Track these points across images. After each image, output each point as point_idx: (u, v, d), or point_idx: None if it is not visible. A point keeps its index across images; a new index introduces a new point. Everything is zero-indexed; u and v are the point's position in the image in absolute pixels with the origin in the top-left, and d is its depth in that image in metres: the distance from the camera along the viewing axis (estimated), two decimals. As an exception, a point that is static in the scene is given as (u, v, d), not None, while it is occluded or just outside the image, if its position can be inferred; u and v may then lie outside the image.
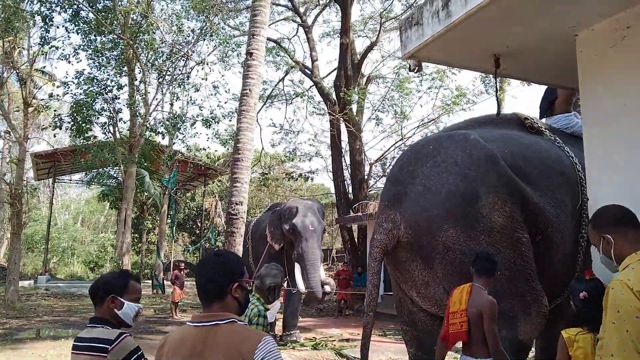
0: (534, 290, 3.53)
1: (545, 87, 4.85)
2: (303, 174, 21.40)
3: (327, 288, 9.25)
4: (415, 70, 3.53)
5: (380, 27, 18.73)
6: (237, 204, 7.78)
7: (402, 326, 4.11)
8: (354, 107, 18.17)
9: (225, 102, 19.93)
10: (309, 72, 20.16)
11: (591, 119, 3.01)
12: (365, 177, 18.40)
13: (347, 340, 10.70)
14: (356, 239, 18.64)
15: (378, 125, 19.60)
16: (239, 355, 1.76)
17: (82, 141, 15.64)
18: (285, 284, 11.29)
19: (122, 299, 2.59)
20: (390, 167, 3.40)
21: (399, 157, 4.19)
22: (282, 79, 21.68)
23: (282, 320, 10.78)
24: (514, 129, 4.27)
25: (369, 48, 19.37)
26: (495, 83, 3.57)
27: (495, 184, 3.56)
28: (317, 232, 9.80)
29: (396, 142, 18.38)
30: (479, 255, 3.44)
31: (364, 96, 18.07)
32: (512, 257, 3.52)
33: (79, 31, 14.99)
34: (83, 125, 14.74)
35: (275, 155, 27.02)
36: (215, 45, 17.83)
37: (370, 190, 18.88)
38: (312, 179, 21.73)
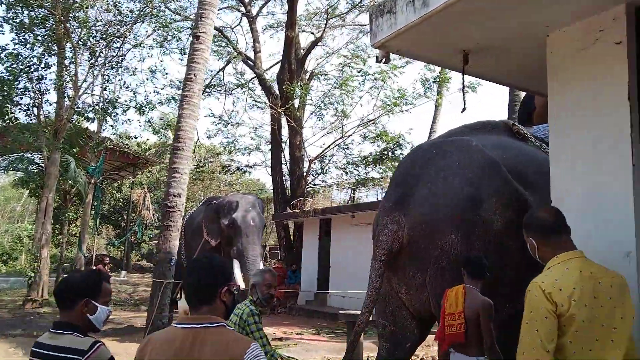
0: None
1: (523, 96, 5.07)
2: (241, 168, 20.92)
3: (268, 285, 9.01)
4: (383, 62, 3.39)
5: (325, 24, 18.65)
6: (175, 195, 7.36)
7: (381, 320, 4.15)
8: (296, 102, 17.99)
9: (162, 88, 19.11)
10: (251, 64, 19.76)
11: (558, 120, 2.99)
12: (304, 173, 18.28)
13: (281, 339, 10.47)
14: (291, 236, 18.48)
15: (319, 121, 19.53)
16: (227, 358, 1.77)
17: (1, 122, 14.39)
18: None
19: (96, 303, 2.35)
20: (395, 170, 3.50)
21: (402, 161, 4.25)
22: (223, 69, 21.11)
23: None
24: (503, 135, 4.40)
25: (314, 43, 19.25)
26: (462, 80, 3.50)
27: (498, 189, 3.65)
28: (258, 227, 9.55)
29: (336, 140, 18.39)
30: (471, 258, 3.50)
31: (306, 91, 17.92)
32: (499, 263, 3.58)
33: (2, 1, 13.76)
34: (3, 104, 13.54)
35: (211, 148, 26.26)
36: (155, 29, 17.01)
37: (309, 187, 18.79)
38: (249, 173, 21.31)
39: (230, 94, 21.60)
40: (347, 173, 18.53)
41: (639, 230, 2.54)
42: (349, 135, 18.07)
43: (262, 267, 9.34)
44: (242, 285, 8.57)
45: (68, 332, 2.27)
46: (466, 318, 3.37)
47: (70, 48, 14.78)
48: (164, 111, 23.32)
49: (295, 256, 17.03)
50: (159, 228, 11.63)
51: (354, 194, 20.54)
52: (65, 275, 2.65)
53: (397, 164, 17.36)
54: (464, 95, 3.58)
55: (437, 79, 16.69)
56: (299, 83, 17.54)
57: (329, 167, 18.89)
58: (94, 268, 3.22)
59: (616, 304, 2.23)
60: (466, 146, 3.91)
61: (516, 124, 4.65)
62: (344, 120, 18.07)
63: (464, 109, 3.56)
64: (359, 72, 17.20)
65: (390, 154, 16.61)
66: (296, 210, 15.91)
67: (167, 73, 44.26)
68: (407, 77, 44.17)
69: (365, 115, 17.85)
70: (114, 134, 19.31)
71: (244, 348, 1.81)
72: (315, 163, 18.87)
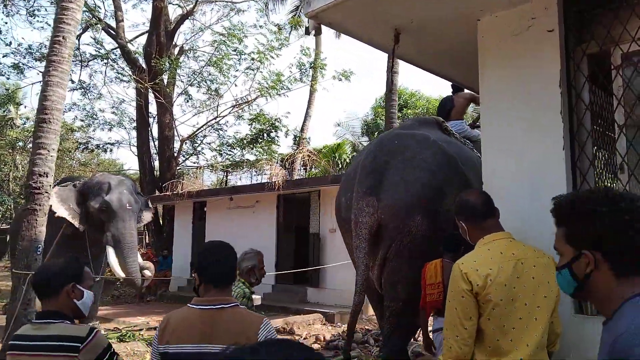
0: None
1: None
2: (101, 145, 19.14)
3: (147, 273, 8.36)
4: (314, 33, 3.25)
5: (197, -1, 17.67)
6: (40, 175, 6.39)
7: (359, 289, 4.34)
8: (165, 77, 16.91)
9: (4, 57, 16.63)
10: (113, 33, 18.09)
11: (489, 104, 3.10)
12: (175, 154, 17.32)
13: (155, 328, 9.85)
14: (161, 220, 17.49)
15: (190, 100, 18.55)
16: (244, 336, 1.94)
17: None
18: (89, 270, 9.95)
19: (81, 287, 2.31)
20: (359, 157, 3.72)
21: (368, 150, 4.64)
22: (79, 36, 18.98)
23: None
24: (437, 131, 4.87)
25: (184, 17, 18.21)
26: (392, 60, 3.48)
27: (458, 184, 4.12)
28: (135, 211, 8.75)
29: (210, 120, 17.69)
30: (448, 235, 3.95)
31: (176, 66, 16.89)
32: None
33: None
34: None
35: (64, 123, 23.65)
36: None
37: (180, 169, 17.87)
38: (110, 151, 19.56)
39: (87, 66, 19.54)
40: (221, 154, 17.96)
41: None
42: (224, 116, 17.49)
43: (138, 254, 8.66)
44: (122, 274, 7.85)
45: (58, 320, 2.19)
46: (444, 287, 3.73)
47: None
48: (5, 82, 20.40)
49: (166, 241, 16.14)
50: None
51: (226, 176, 20.05)
52: (42, 264, 2.48)
53: (274, 146, 17.24)
54: (391, 77, 3.57)
55: (313, 64, 16.83)
56: (168, 57, 16.49)
57: (203, 148, 18.13)
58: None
59: (540, 283, 2.32)
60: (425, 140, 4.45)
61: (444, 122, 5.16)
62: (218, 100, 17.42)
63: (390, 90, 3.56)
64: (234, 51, 16.65)
65: (266, 135, 16.43)
66: (168, 193, 15.05)
67: (11, 39, 38.68)
68: (283, 60, 44.07)
69: (241, 96, 17.40)
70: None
71: (258, 324, 2.02)
72: (186, 143, 17.98)
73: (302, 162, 17.56)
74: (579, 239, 1.39)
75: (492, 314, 2.28)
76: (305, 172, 18.85)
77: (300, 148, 16.46)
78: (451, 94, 6.82)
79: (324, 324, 11.13)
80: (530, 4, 2.93)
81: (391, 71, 10.78)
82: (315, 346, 9.25)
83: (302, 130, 18.07)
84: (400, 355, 4.46)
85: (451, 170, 4.31)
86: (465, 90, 6.62)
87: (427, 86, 31.60)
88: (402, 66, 10.75)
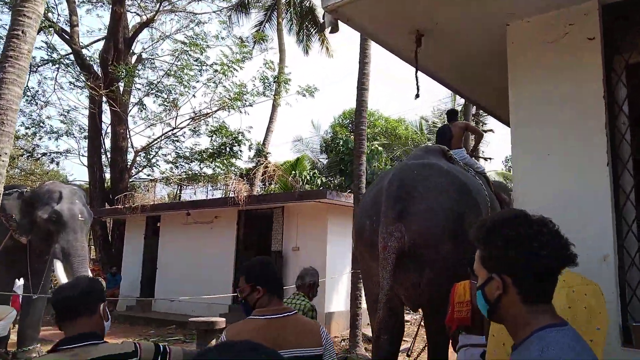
0: None
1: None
2: (49, 154, 17.96)
3: (102, 290, 7.65)
4: (330, 30, 2.92)
5: (159, 7, 17.06)
6: (-13, 180, 5.71)
7: (383, 307, 4.60)
8: (121, 86, 16.14)
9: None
10: (68, 38, 17.15)
11: (520, 111, 2.85)
12: (128, 165, 16.46)
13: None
14: (110, 235, 16.51)
15: (142, 110, 17.71)
16: (310, 339, 2.20)
17: None
18: (21, 288, 9.13)
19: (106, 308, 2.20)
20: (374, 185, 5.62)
21: (391, 179, 4.86)
22: (28, 39, 17.88)
23: (16, 332, 8.58)
24: (442, 159, 5.32)
25: (143, 25, 17.55)
26: (416, 61, 3.20)
27: (472, 207, 4.68)
28: (87, 223, 8.10)
29: (166, 132, 16.96)
30: (472, 258, 3.80)
31: (133, 74, 16.14)
32: None
33: None
34: None
35: (5, 130, 22.10)
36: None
37: (132, 181, 17.00)
38: (57, 164, 18.43)
39: (35, 71, 18.40)
40: (177, 167, 17.21)
41: (617, 232, 2.48)
42: (182, 128, 16.81)
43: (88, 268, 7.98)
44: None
45: (100, 341, 2.04)
46: (472, 306, 4.02)
47: None
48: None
49: (115, 257, 15.20)
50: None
51: (180, 190, 19.30)
52: (62, 284, 2.31)
53: (234, 160, 16.69)
54: (417, 78, 3.31)
55: (277, 79, 16.53)
56: (126, 64, 15.76)
57: (158, 160, 17.33)
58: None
59: (592, 314, 2.08)
60: (439, 169, 4.92)
61: (449, 150, 5.66)
62: (176, 111, 16.73)
63: (417, 96, 3.31)
64: (196, 61, 16.12)
65: (228, 149, 15.87)
66: (119, 206, 14.20)
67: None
68: (246, 74, 43.54)
69: (200, 108, 16.80)
70: None
71: (318, 327, 2.30)
72: (140, 155, 17.12)
73: (262, 178, 17.12)
74: (491, 262, 1.39)
75: None
76: (265, 187, 18.39)
77: (265, 162, 16.01)
78: (447, 122, 7.45)
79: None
80: (567, 10, 2.74)
81: (361, 87, 10.61)
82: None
83: (263, 144, 17.64)
84: None
85: (467, 196, 4.85)
86: (460, 120, 7.35)
87: (385, 106, 31.99)
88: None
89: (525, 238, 1.36)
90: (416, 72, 3.35)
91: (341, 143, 17.69)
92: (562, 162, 2.65)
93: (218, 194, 20.47)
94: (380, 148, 16.95)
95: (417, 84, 3.36)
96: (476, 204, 4.83)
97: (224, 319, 7.39)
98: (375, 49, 10.96)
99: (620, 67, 2.64)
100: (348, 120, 24.47)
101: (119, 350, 2.06)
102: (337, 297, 12.00)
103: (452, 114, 7.66)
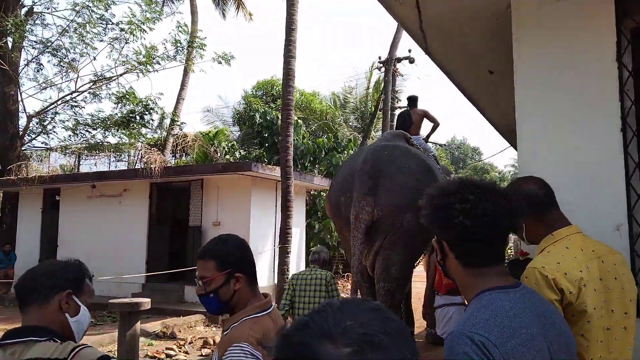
0: None
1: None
2: None
3: None
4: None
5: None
6: None
7: (355, 271, 5.35)
8: (10, 41, 14.26)
9: None
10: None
11: (526, 75, 2.63)
12: (20, 132, 14.70)
13: None
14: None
15: (39, 71, 15.90)
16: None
17: None
18: None
19: (77, 301, 1.75)
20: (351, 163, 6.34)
21: (364, 158, 5.53)
22: None
23: None
24: (405, 143, 6.07)
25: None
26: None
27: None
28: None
29: (65, 96, 15.31)
30: None
31: (23, 29, 14.29)
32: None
33: None
34: None
35: None
36: None
37: (25, 149, 15.25)
38: None
39: None
40: (76, 135, 15.66)
41: (631, 201, 2.40)
42: (82, 92, 15.26)
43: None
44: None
45: (44, 337, 1.61)
46: None
47: None
48: None
49: (7, 234, 13.61)
50: None
51: (79, 160, 17.73)
52: (36, 265, 1.84)
53: (143, 130, 15.52)
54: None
55: (190, 43, 15.50)
56: (14, 18, 13.92)
57: (55, 127, 15.65)
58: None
59: (623, 284, 1.94)
60: (407, 151, 5.70)
61: (410, 136, 6.43)
62: (76, 73, 15.12)
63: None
64: (99, 18, 14.62)
65: (138, 117, 14.66)
66: (11, 177, 12.66)
67: None
68: (155, 37, 40.57)
69: (103, 71, 15.34)
70: None
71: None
72: (34, 120, 15.34)
73: (178, 149, 16.15)
74: (433, 229, 1.52)
75: (588, 328, 1.82)
76: (175, 159, 17.41)
77: (181, 133, 15.06)
78: (407, 107, 8.22)
79: (207, 325, 10.20)
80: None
81: (287, 55, 10.21)
82: (205, 351, 8.36)
83: (174, 113, 16.59)
84: None
85: (431, 175, 5.58)
86: (419, 107, 8.09)
87: (300, 80, 31.55)
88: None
89: (450, 206, 1.40)
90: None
91: (258, 115, 17.10)
92: (571, 128, 2.51)
93: (122, 166, 19.13)
94: (300, 121, 16.63)
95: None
96: (438, 180, 5.53)
97: (148, 300, 6.80)
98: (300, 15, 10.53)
99: (628, 31, 2.55)
100: (262, 92, 23.84)
101: (49, 354, 1.61)
102: (260, 272, 11.66)
103: (412, 100, 8.19)
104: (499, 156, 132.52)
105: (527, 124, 2.62)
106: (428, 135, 8.62)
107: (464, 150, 60.56)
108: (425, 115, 8.01)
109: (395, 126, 8.40)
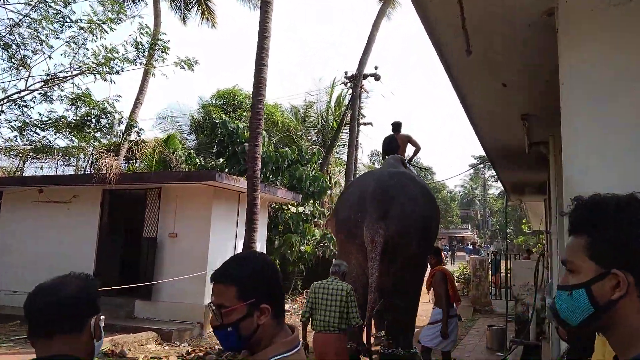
0: None
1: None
2: None
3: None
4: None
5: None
6: None
7: (373, 289, 5.93)
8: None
9: None
10: None
11: (573, 94, 2.37)
12: (-41, 129, 13.57)
13: None
14: None
15: (-15, 65, 14.79)
16: None
17: None
18: None
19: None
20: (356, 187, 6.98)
21: (376, 184, 6.42)
22: None
23: None
24: (402, 166, 7.42)
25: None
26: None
27: (435, 212, 6.92)
28: None
29: (13, 94, 14.24)
30: (438, 249, 6.83)
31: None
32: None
33: None
34: None
35: None
36: None
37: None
38: None
39: None
40: (23, 136, 14.58)
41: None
42: (33, 91, 14.27)
43: None
44: None
45: None
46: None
47: None
48: None
49: None
50: None
51: (23, 163, 16.64)
52: (52, 282, 1.54)
53: (98, 134, 14.69)
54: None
55: (152, 45, 14.86)
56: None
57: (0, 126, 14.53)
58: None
59: None
60: (412, 179, 6.75)
61: (404, 159, 7.79)
62: (27, 71, 14.14)
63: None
64: (57, 14, 13.77)
65: (94, 121, 13.80)
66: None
67: None
68: (118, 36, 39.09)
69: (57, 70, 14.43)
70: None
71: None
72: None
73: (128, 155, 15.37)
74: (609, 253, 1.05)
75: None
76: (128, 166, 16.60)
77: (138, 139, 14.32)
78: (392, 132, 8.86)
79: (160, 344, 9.56)
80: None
81: (259, 64, 9.89)
82: (160, 372, 7.77)
83: (131, 117, 15.82)
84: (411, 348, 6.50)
85: (432, 203, 6.77)
86: (402, 131, 8.87)
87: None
88: (247, 67, 9.81)
89: None
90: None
91: (219, 124, 16.59)
92: (630, 145, 2.27)
93: (70, 171, 18.07)
94: (263, 131, 16.24)
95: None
96: (436, 209, 7.02)
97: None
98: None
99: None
100: (222, 101, 23.30)
101: None
102: (217, 288, 11.12)
103: (396, 126, 8.90)
104: (449, 175, 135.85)
105: (579, 139, 2.37)
106: (411, 159, 9.09)
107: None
108: (409, 140, 8.76)
109: (382, 149, 8.93)
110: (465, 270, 19.18)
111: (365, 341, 5.92)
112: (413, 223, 6.24)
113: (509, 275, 16.60)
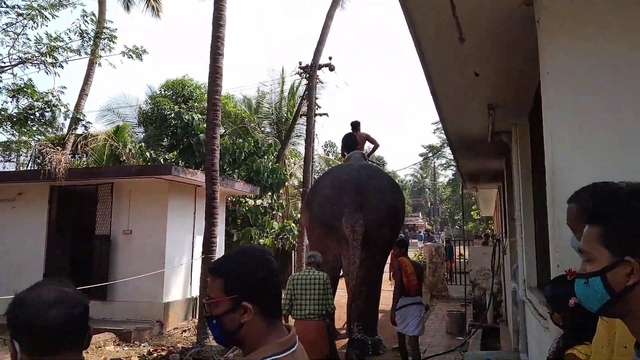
0: None
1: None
2: None
3: None
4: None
5: None
6: None
7: (355, 276, 6.73)
8: None
9: None
10: None
11: (555, 75, 2.40)
12: None
13: None
14: None
15: None
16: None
17: None
18: None
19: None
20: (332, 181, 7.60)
21: (349, 176, 7.22)
22: None
23: None
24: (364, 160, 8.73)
25: None
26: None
27: (401, 201, 7.86)
28: None
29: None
30: (404, 239, 7.04)
31: None
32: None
33: None
34: None
35: None
36: None
37: None
38: None
39: None
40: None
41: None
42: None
43: None
44: None
45: None
46: (417, 275, 6.58)
47: None
48: None
49: None
50: None
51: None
52: (49, 294, 1.36)
53: (44, 127, 13.97)
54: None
55: (97, 34, 14.20)
56: None
57: None
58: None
59: None
60: (380, 171, 7.98)
61: (365, 154, 9.10)
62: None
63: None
64: (-9, 0, 12.91)
65: (38, 114, 13.04)
66: None
67: None
68: (60, 24, 36.88)
69: (-5, 60, 13.55)
70: None
71: None
72: None
73: (74, 149, 14.68)
74: (622, 242, 1.08)
75: None
76: (74, 160, 15.87)
77: (84, 133, 13.67)
78: (351, 131, 9.78)
79: (118, 345, 9.24)
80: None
81: (215, 53, 9.65)
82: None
83: (76, 110, 15.09)
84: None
85: (399, 191, 7.77)
86: (361, 130, 9.84)
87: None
88: (197, 57, 9.53)
89: None
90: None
91: (173, 115, 16.11)
92: (613, 134, 2.29)
93: (10, 167, 17.13)
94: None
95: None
96: (403, 198, 7.76)
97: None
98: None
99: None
100: (172, 92, 22.64)
101: None
102: (176, 285, 10.85)
103: (355, 125, 9.88)
104: (402, 165, 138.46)
105: (561, 128, 2.38)
106: (369, 154, 10.20)
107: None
108: (368, 138, 9.81)
109: (342, 146, 9.89)
110: (420, 257, 19.61)
111: (346, 326, 6.72)
112: (386, 212, 7.05)
113: (465, 261, 17.13)
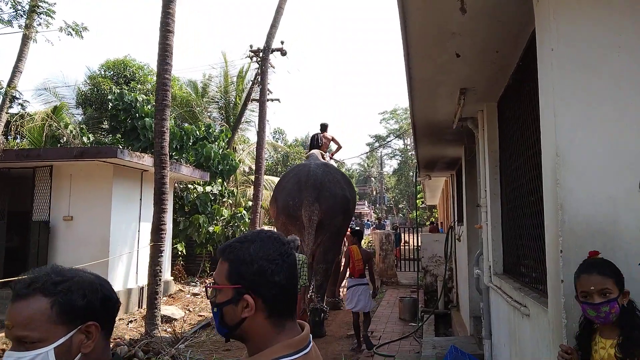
0: None
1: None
2: None
3: None
4: None
5: None
6: None
7: (310, 255, 8.52)
8: None
9: None
10: None
11: (561, 63, 2.28)
12: None
13: None
14: None
15: None
16: None
17: None
18: None
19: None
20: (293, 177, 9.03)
21: (308, 171, 8.99)
22: None
23: None
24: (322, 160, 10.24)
25: None
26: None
27: (353, 192, 9.70)
28: None
29: None
30: (359, 230, 8.50)
31: None
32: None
33: None
34: None
35: None
36: None
37: None
38: None
39: None
40: None
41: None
42: None
43: None
44: None
45: None
46: (364, 261, 7.69)
47: None
48: None
49: None
50: None
51: None
52: (94, 275, 1.34)
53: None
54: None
55: (35, 7, 13.20)
56: None
57: None
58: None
59: None
60: (334, 168, 9.73)
61: (324, 154, 10.73)
62: None
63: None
64: None
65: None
66: None
67: None
68: None
69: None
70: None
71: None
72: None
73: (7, 129, 13.62)
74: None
75: None
76: (8, 142, 14.78)
77: (21, 112, 12.70)
78: (319, 131, 11.46)
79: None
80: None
81: (165, 30, 9.16)
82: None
83: (9, 87, 14.01)
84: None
85: (350, 186, 9.49)
86: (327, 132, 11.49)
87: (154, 62, 29.09)
88: (140, 36, 9.02)
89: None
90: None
91: (114, 97, 15.27)
92: (616, 116, 2.22)
93: None
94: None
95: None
96: (354, 192, 9.38)
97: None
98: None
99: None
100: (112, 72, 21.56)
101: None
102: (122, 274, 10.32)
103: (324, 126, 11.52)
104: (350, 155, 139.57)
105: (563, 110, 2.27)
106: (333, 154, 11.76)
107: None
108: (333, 139, 11.58)
109: (309, 144, 11.45)
110: (369, 245, 19.77)
111: (308, 299, 7.88)
112: (338, 203, 8.72)
113: (412, 248, 17.38)
